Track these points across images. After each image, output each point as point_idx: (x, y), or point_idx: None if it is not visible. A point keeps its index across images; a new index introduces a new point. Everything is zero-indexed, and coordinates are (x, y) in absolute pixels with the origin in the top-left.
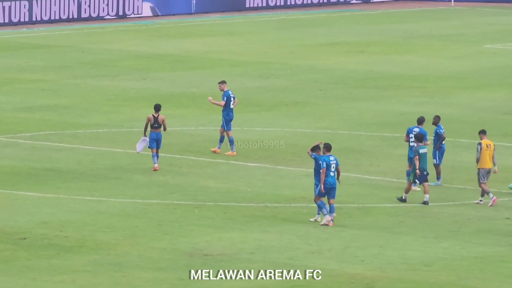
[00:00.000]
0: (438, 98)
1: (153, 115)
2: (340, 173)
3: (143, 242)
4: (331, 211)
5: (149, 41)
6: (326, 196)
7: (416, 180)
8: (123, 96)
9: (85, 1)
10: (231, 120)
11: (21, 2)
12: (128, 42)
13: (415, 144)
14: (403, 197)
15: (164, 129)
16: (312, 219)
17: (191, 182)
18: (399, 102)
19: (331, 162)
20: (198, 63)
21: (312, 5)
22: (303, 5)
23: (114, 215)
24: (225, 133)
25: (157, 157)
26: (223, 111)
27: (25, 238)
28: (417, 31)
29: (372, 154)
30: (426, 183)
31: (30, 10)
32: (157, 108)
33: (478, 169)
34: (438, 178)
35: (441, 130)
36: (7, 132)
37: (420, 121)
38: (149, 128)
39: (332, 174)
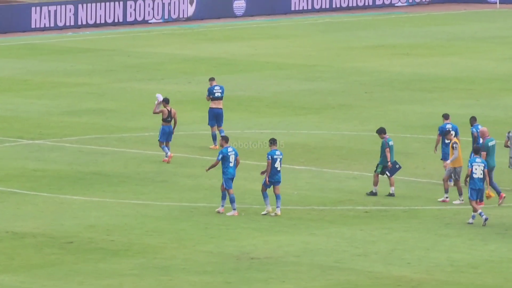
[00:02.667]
0: (484, 100)
1: (166, 108)
2: (238, 165)
3: (189, 245)
4: (231, 200)
5: (194, 45)
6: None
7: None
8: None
9: (131, 5)
10: (214, 115)
11: (67, 6)
12: (173, 46)
13: (384, 138)
14: (374, 191)
15: (175, 123)
16: (263, 213)
17: (237, 185)
18: (444, 104)
19: (229, 154)
20: (244, 66)
21: (357, 7)
22: (348, 8)
23: (160, 219)
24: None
25: (168, 149)
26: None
27: (71, 242)
28: (462, 33)
29: (417, 157)
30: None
31: (76, 14)
32: (168, 101)
33: (458, 167)
34: None
35: (474, 130)
36: (53, 136)
37: (446, 117)
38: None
39: (231, 165)
